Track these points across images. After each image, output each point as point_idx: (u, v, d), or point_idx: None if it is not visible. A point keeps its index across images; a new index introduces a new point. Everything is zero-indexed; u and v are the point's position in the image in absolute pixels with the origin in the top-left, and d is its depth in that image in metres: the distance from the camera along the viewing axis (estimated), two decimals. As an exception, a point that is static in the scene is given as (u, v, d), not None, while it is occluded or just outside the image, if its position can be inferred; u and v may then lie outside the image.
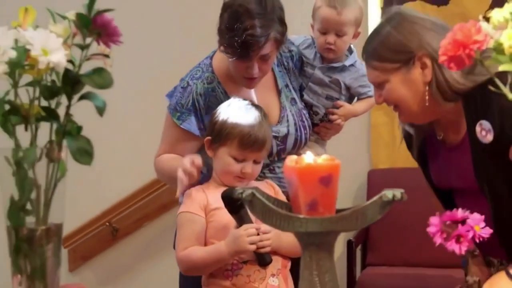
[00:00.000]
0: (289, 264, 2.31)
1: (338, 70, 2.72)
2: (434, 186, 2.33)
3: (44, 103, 1.38)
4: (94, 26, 1.37)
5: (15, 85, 1.33)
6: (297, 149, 2.63)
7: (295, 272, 2.31)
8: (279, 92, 2.68)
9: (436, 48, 2.03)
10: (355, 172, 4.33)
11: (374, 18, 4.32)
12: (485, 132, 2.05)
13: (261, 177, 2.51)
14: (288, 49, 2.71)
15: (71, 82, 1.36)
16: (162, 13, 4.52)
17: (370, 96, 2.71)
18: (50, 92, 1.37)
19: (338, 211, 1.43)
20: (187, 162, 2.29)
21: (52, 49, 1.29)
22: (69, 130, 1.39)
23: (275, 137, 2.55)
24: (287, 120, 2.61)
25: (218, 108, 2.35)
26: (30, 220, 1.39)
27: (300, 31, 2.92)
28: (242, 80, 2.54)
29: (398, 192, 1.39)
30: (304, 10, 3.10)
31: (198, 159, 2.32)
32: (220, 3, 2.49)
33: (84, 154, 1.38)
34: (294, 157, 1.43)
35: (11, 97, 1.35)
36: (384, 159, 4.36)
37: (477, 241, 1.94)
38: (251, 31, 2.37)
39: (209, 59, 2.66)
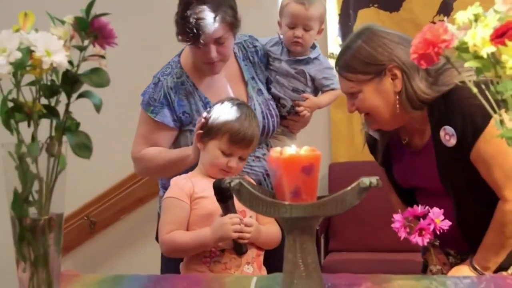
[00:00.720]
0: (262, 253, 2.32)
1: (303, 63, 2.77)
2: (396, 185, 2.36)
3: (44, 101, 1.38)
4: (91, 29, 1.37)
5: (17, 85, 1.32)
6: (265, 136, 2.65)
7: (271, 261, 2.33)
8: (245, 84, 2.71)
9: (405, 61, 2.09)
10: (317, 166, 4.33)
11: (332, 24, 4.35)
12: (448, 136, 2.09)
13: None
14: (252, 45, 2.77)
15: (70, 81, 1.36)
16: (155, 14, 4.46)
17: (333, 89, 2.76)
18: (50, 91, 1.36)
19: (319, 197, 1.45)
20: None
21: (54, 50, 1.28)
22: (69, 126, 1.38)
23: None
24: (254, 109, 2.59)
25: (212, 107, 2.39)
26: (32, 210, 1.38)
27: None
28: (205, 66, 2.59)
29: (374, 179, 1.41)
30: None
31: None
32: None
33: (84, 148, 1.38)
34: (278, 149, 1.44)
35: (13, 96, 1.35)
36: (344, 153, 4.40)
37: (438, 232, 2.01)
38: (200, 15, 2.43)
39: (177, 56, 2.70)
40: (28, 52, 1.28)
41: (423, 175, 2.22)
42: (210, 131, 2.31)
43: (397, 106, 2.13)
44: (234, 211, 2.17)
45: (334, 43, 4.37)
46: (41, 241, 1.39)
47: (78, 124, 1.40)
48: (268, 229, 2.29)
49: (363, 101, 2.17)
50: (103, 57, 1.41)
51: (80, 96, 1.39)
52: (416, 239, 2.02)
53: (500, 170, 2.03)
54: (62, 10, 1.47)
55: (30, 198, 1.38)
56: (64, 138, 1.38)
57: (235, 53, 2.73)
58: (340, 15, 4.36)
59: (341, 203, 1.42)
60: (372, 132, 2.34)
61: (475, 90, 1.34)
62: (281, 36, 2.78)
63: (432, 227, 2.01)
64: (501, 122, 1.32)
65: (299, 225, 1.42)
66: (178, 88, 2.62)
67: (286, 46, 2.77)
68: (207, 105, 2.60)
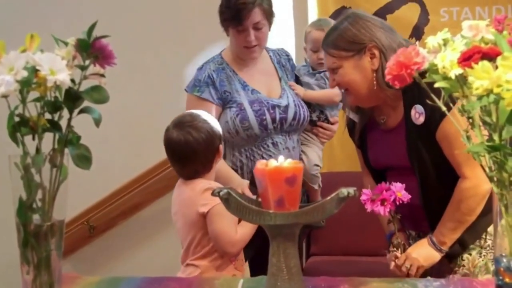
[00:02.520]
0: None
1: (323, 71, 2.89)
2: (370, 167, 2.39)
3: (48, 116, 1.38)
4: (92, 50, 1.37)
5: (23, 101, 1.32)
6: (296, 122, 2.76)
7: (257, 260, 2.34)
8: (279, 79, 2.85)
9: (384, 43, 2.16)
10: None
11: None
12: (418, 114, 2.12)
13: (265, 150, 2.69)
14: (285, 54, 2.96)
15: (72, 98, 1.36)
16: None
17: None
18: (53, 106, 1.36)
19: (301, 206, 1.45)
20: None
21: (58, 69, 1.29)
22: (70, 139, 1.39)
23: (278, 107, 2.71)
24: (287, 96, 2.78)
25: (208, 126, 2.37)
26: (36, 217, 1.38)
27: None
28: (244, 51, 2.76)
29: (351, 190, 1.42)
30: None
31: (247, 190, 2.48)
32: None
33: (84, 159, 1.39)
34: (263, 161, 1.44)
35: (19, 111, 1.35)
36: (324, 164, 4.35)
37: (398, 203, 2.10)
38: (241, 0, 2.64)
39: (219, 54, 2.86)
40: (33, 71, 1.29)
41: (393, 153, 2.24)
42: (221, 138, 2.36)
43: (374, 83, 2.18)
44: None
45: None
46: (44, 245, 1.39)
47: (79, 138, 1.41)
48: None
49: (343, 76, 2.23)
50: (103, 75, 1.41)
51: (81, 111, 1.39)
52: (379, 208, 2.12)
53: (461, 149, 2.05)
54: (67, 31, 1.47)
55: (34, 206, 1.38)
56: (66, 150, 1.39)
57: (270, 56, 2.90)
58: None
59: (321, 211, 1.42)
60: (352, 116, 2.39)
61: (444, 108, 1.35)
62: (307, 60, 2.96)
63: (392, 198, 2.10)
64: (468, 138, 1.33)
65: (282, 232, 1.42)
66: (219, 72, 2.76)
67: (313, 67, 2.92)
68: (245, 87, 2.74)
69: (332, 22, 2.87)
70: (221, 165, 2.54)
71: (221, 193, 1.42)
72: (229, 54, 2.82)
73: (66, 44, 1.39)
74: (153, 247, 4.37)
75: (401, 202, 2.11)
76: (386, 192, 2.13)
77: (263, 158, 2.67)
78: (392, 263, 2.25)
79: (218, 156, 2.32)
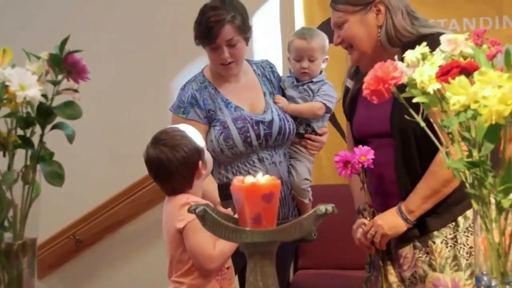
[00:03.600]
0: None
1: (307, 82, 2.87)
2: (355, 139, 2.37)
3: (20, 132, 1.36)
4: (65, 65, 1.35)
5: (-6, 117, 1.30)
6: (282, 136, 2.73)
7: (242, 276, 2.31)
8: (264, 94, 2.82)
9: (391, 1, 2.18)
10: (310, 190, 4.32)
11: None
12: None
13: (251, 166, 2.66)
14: (269, 66, 2.92)
15: (44, 113, 1.34)
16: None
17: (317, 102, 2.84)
18: (25, 122, 1.35)
19: (278, 223, 1.42)
20: None
21: (28, 85, 1.26)
22: (43, 156, 1.36)
23: (262, 123, 2.69)
24: (272, 111, 2.75)
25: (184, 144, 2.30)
26: (8, 235, 1.36)
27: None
28: (220, 68, 2.73)
29: (329, 207, 1.39)
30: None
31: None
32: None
33: (56, 177, 1.36)
34: (240, 177, 1.42)
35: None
36: (312, 176, 4.36)
37: (357, 166, 2.13)
38: (212, 18, 2.63)
39: (200, 71, 2.84)
40: (3, 86, 1.26)
41: (377, 118, 2.21)
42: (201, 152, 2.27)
43: (379, 39, 2.19)
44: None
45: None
46: (15, 264, 1.37)
47: (52, 154, 1.39)
48: None
49: (348, 30, 2.23)
50: (76, 91, 1.39)
51: (54, 127, 1.37)
52: (342, 170, 2.16)
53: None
54: (38, 47, 1.45)
55: (5, 224, 1.35)
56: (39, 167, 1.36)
57: (254, 70, 2.87)
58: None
59: (299, 229, 1.39)
60: (348, 83, 2.39)
61: (423, 124, 1.33)
62: (292, 70, 2.92)
63: (354, 159, 2.12)
64: (447, 154, 1.32)
65: (259, 249, 1.39)
66: (202, 90, 2.74)
67: (296, 77, 2.88)
68: (228, 104, 2.72)
69: (316, 31, 2.89)
70: (208, 185, 2.51)
71: (197, 210, 1.39)
72: (210, 71, 2.81)
73: (38, 58, 1.37)
74: (140, 261, 4.35)
75: (361, 165, 2.12)
76: (350, 154, 2.14)
77: (249, 173, 2.61)
78: (360, 230, 2.23)
79: (199, 172, 2.26)
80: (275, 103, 2.81)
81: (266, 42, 4.18)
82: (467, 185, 1.28)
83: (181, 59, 4.08)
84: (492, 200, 1.23)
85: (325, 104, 2.82)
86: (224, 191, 2.18)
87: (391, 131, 2.14)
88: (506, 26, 4.10)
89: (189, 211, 1.43)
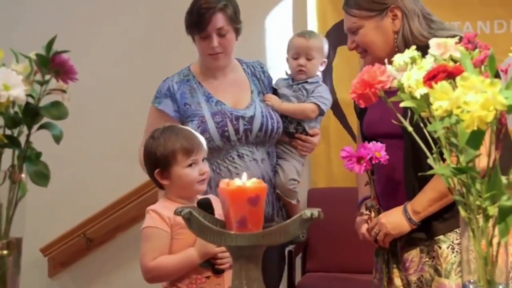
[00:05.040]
0: None
1: (302, 82, 2.85)
2: (364, 138, 2.33)
3: (7, 131, 1.36)
4: (52, 65, 1.35)
5: (-20, 116, 1.30)
6: (263, 133, 2.69)
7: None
8: (251, 92, 2.79)
9: (407, 5, 2.16)
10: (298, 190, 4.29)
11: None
12: None
13: (231, 162, 2.62)
14: (260, 66, 2.89)
15: (31, 113, 1.34)
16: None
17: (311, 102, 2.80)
18: (12, 122, 1.35)
19: (264, 227, 1.41)
20: None
21: (12, 84, 1.26)
22: (29, 156, 1.36)
23: (242, 118, 2.65)
24: (255, 107, 2.71)
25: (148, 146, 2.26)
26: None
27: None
28: (208, 59, 2.71)
29: (315, 211, 1.37)
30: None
31: None
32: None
33: (41, 177, 1.36)
34: (226, 180, 1.41)
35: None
36: (322, 179, 4.36)
37: (373, 162, 2.08)
38: (204, 5, 2.61)
39: (187, 66, 2.83)
40: (-12, 86, 1.27)
41: (388, 118, 2.14)
42: (165, 162, 2.19)
43: (395, 44, 2.16)
44: None
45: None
46: (0, 263, 1.35)
47: (38, 154, 1.38)
48: None
49: (363, 36, 2.20)
50: (64, 91, 1.39)
51: (41, 127, 1.37)
52: (354, 166, 2.09)
53: None
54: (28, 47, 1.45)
55: (-9, 223, 1.35)
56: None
57: (244, 69, 2.85)
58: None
59: (284, 233, 1.38)
60: None
61: (410, 129, 1.31)
62: (288, 72, 2.90)
63: (369, 156, 2.07)
64: (434, 159, 1.30)
65: (244, 253, 1.38)
66: (182, 83, 2.73)
67: (292, 76, 2.87)
68: (209, 99, 2.70)
69: (316, 33, 2.92)
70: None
71: (182, 212, 1.39)
72: (197, 66, 2.79)
73: (27, 58, 1.37)
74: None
75: (377, 161, 2.07)
76: (363, 150, 2.09)
77: (228, 170, 2.62)
78: (364, 226, 2.21)
79: (163, 180, 2.22)
80: (264, 101, 2.77)
81: (279, 43, 4.16)
82: (455, 192, 1.26)
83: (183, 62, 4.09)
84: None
85: (318, 106, 2.79)
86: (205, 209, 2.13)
87: (402, 132, 2.11)
88: (520, 30, 4.08)
89: (175, 213, 1.43)
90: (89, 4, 4.51)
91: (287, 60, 2.89)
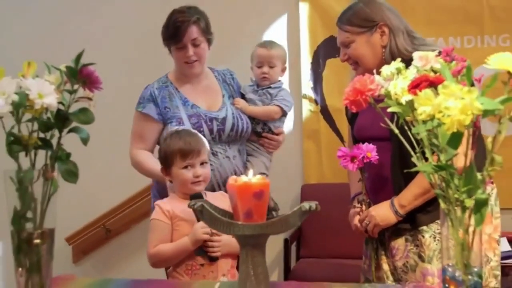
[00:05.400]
0: (235, 263, 2.24)
1: (267, 87, 2.85)
2: (354, 139, 2.34)
3: (41, 135, 1.36)
4: (80, 76, 1.35)
5: (18, 121, 1.30)
6: (235, 133, 2.68)
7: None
8: (223, 96, 2.78)
9: (393, 23, 2.18)
10: (291, 186, 4.30)
11: (305, 70, 4.34)
12: None
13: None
14: (229, 73, 2.89)
15: (61, 119, 1.34)
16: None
17: (275, 105, 2.81)
18: (45, 126, 1.34)
19: (268, 218, 1.41)
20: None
21: (46, 93, 1.26)
22: (60, 156, 1.36)
23: (216, 119, 2.64)
24: (226, 110, 2.70)
25: (160, 145, 2.34)
26: (29, 225, 1.36)
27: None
28: (185, 67, 2.70)
29: (313, 204, 1.38)
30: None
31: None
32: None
33: (71, 174, 1.36)
34: (234, 177, 1.41)
35: (14, 131, 1.33)
36: (314, 176, 4.35)
37: (365, 161, 2.10)
38: (179, 19, 2.62)
39: (165, 74, 2.81)
40: (24, 95, 1.27)
41: (377, 122, 2.14)
42: (166, 161, 2.24)
43: (383, 57, 2.17)
44: None
45: (307, 86, 4.36)
46: (35, 251, 1.36)
47: (68, 154, 1.38)
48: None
49: (355, 50, 2.21)
50: (90, 99, 1.39)
51: (70, 131, 1.37)
52: (348, 164, 2.11)
53: None
54: (59, 59, 1.45)
55: (27, 215, 1.35)
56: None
57: (215, 76, 2.84)
58: (312, 63, 4.33)
59: (285, 223, 1.38)
60: None
61: (396, 131, 1.31)
62: (253, 79, 2.88)
63: (362, 155, 2.09)
64: (418, 158, 1.30)
65: (250, 241, 1.38)
66: (162, 89, 2.70)
67: (257, 82, 2.85)
68: (186, 103, 2.67)
69: (277, 44, 2.91)
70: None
71: (195, 206, 1.39)
72: (173, 74, 2.78)
73: (58, 70, 1.37)
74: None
75: (368, 160, 2.10)
76: (357, 150, 2.11)
77: None
78: (357, 217, 2.22)
79: (166, 176, 2.28)
80: (233, 105, 2.77)
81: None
82: (436, 187, 1.26)
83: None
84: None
85: (281, 108, 2.79)
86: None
87: (390, 135, 2.11)
88: (487, 45, 4.07)
89: (189, 206, 1.43)
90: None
91: (252, 68, 2.89)
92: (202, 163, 2.23)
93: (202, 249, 2.15)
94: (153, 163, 2.55)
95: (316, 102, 4.34)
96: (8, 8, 4.69)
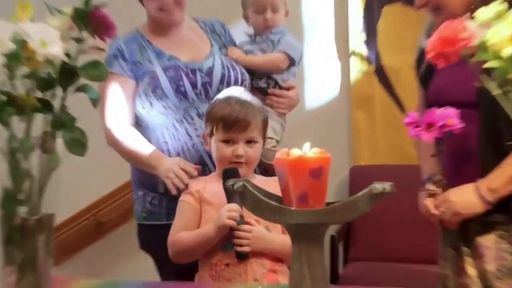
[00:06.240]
0: (280, 269, 2.23)
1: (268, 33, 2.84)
2: (429, 106, 2.22)
3: (38, 94, 1.38)
4: (90, 20, 1.36)
5: (12, 77, 1.32)
6: (226, 86, 2.63)
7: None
8: (211, 46, 2.77)
9: None
10: (337, 169, 4.27)
11: (355, 20, 4.34)
12: None
13: (190, 123, 2.59)
14: (220, 24, 2.88)
15: (67, 74, 1.36)
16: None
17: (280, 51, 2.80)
18: (45, 84, 1.36)
19: (328, 204, 1.42)
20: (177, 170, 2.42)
21: (50, 41, 1.28)
22: (64, 121, 1.38)
23: (200, 70, 2.63)
24: (214, 59, 2.68)
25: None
26: (23, 210, 1.38)
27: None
28: (162, 14, 2.68)
29: (387, 185, 1.38)
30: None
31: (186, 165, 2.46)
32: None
33: (78, 145, 1.38)
34: (285, 150, 1.42)
35: (6, 88, 1.35)
36: (365, 155, 4.35)
37: (445, 130, 1.97)
38: None
39: (135, 28, 2.79)
40: (22, 43, 1.28)
41: (461, 85, 2.12)
42: (208, 126, 2.31)
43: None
44: (239, 203, 2.12)
45: (358, 39, 4.35)
46: (30, 242, 1.38)
47: (73, 119, 1.39)
48: (283, 238, 2.18)
49: None
50: (102, 49, 1.41)
51: (78, 90, 1.39)
52: (422, 133, 1.98)
53: None
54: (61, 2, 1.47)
55: (21, 196, 1.37)
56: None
57: (201, 26, 2.83)
58: (365, 10, 4.32)
59: (351, 210, 1.39)
60: (424, 44, 2.30)
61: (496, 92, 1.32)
62: (249, 33, 2.89)
63: (441, 123, 1.97)
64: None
65: (305, 232, 1.39)
66: (130, 42, 2.70)
67: (257, 34, 2.84)
68: (160, 55, 2.67)
69: None
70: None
71: (235, 186, 1.41)
72: (146, 26, 2.77)
73: (61, 12, 1.39)
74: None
75: (448, 129, 1.97)
76: (433, 115, 1.99)
77: (188, 134, 2.59)
78: (429, 200, 2.20)
79: (206, 146, 2.40)
80: (226, 55, 2.76)
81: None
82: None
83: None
84: None
85: (287, 55, 2.77)
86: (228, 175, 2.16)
87: (477, 100, 2.07)
88: None
89: (225, 186, 1.45)
90: None
91: (245, 18, 2.88)
92: (249, 141, 2.26)
93: (231, 243, 2.17)
94: (136, 143, 2.62)
95: (368, 60, 4.35)
96: None
